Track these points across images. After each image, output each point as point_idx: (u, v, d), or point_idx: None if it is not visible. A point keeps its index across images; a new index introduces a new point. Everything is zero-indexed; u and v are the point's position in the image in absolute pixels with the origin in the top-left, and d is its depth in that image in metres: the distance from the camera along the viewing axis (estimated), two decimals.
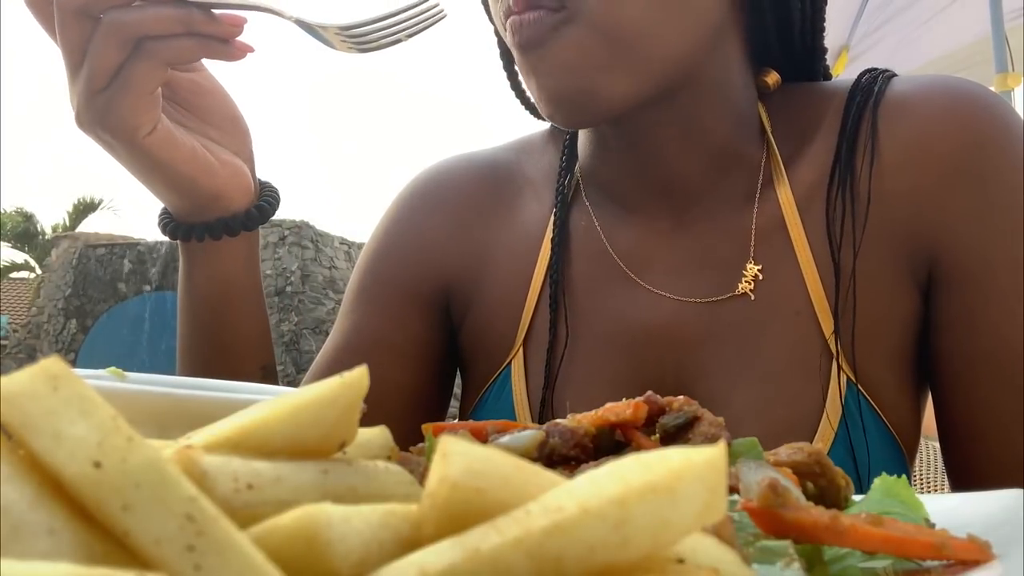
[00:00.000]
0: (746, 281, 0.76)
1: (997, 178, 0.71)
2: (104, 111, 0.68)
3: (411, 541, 0.20)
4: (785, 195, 0.76)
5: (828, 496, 0.37)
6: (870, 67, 0.81)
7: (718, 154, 0.78)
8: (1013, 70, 3.34)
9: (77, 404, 0.19)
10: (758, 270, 0.76)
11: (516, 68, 0.83)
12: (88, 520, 0.18)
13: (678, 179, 0.78)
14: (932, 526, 0.33)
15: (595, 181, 0.84)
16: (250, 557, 0.18)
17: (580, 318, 0.80)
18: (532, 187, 0.88)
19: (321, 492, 0.23)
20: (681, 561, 0.21)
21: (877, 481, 0.38)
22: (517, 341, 0.82)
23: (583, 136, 0.85)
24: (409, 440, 0.39)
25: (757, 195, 0.78)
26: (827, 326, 0.73)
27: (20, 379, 0.19)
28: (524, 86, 0.79)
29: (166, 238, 0.79)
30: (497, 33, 0.84)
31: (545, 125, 0.93)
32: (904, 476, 0.37)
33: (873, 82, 0.78)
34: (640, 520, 0.19)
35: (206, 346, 0.81)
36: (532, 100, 0.80)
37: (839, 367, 0.72)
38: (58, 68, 0.69)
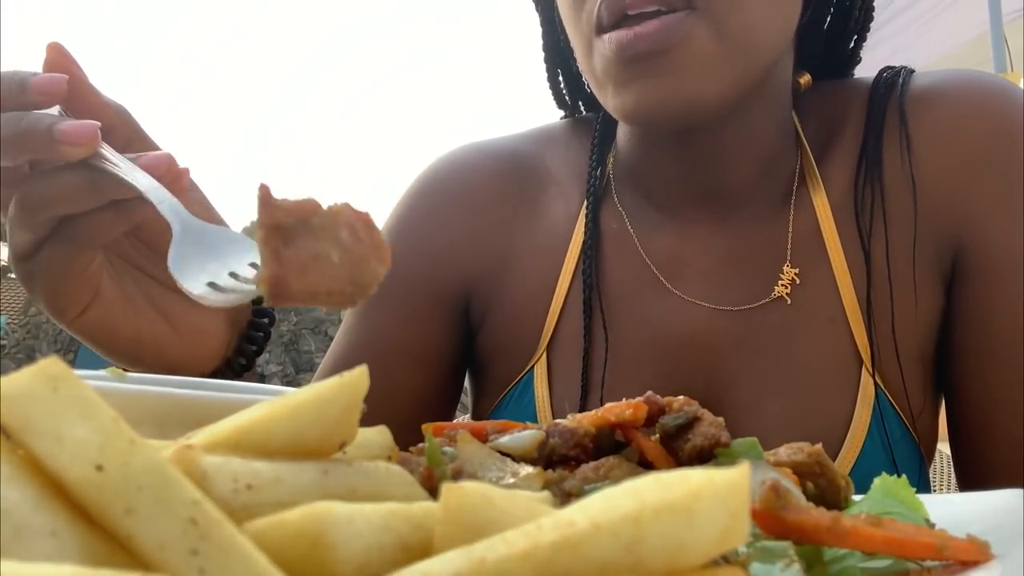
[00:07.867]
0: (782, 285, 0.75)
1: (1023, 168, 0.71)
2: (29, 282, 0.59)
3: (412, 544, 0.20)
4: (820, 198, 0.76)
5: (828, 496, 0.37)
6: (887, 65, 0.80)
7: (764, 160, 0.77)
8: (1012, 69, 3.34)
9: (78, 406, 0.19)
10: (795, 274, 0.75)
11: (573, 71, 0.82)
12: (90, 522, 0.18)
13: (725, 185, 0.77)
14: (932, 526, 0.33)
15: (631, 181, 0.82)
16: (254, 561, 0.18)
17: (611, 324, 0.78)
18: (556, 183, 0.85)
19: (321, 492, 0.23)
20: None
21: (877, 481, 0.38)
22: (541, 345, 0.79)
23: (625, 134, 0.82)
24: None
25: (793, 199, 0.77)
26: (859, 331, 0.72)
27: (20, 380, 0.19)
28: (593, 91, 0.74)
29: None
30: (543, 25, 0.82)
31: (563, 114, 0.90)
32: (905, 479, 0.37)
33: (895, 76, 0.78)
34: (654, 540, 0.18)
35: None
36: (589, 102, 0.77)
37: (872, 374, 0.71)
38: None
